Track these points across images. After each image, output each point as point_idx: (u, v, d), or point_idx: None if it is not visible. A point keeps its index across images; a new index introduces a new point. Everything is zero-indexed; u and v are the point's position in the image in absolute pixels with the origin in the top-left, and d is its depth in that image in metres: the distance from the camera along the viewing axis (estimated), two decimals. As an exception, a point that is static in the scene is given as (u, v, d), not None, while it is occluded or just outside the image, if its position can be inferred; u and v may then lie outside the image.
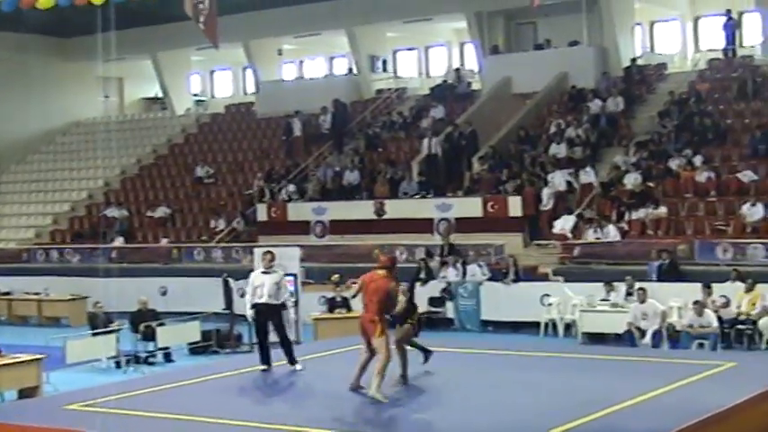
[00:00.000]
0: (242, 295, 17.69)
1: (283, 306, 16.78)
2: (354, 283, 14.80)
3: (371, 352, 14.25)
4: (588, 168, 29.40)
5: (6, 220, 40.60)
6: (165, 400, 14.38)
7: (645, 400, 13.05)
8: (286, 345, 16.55)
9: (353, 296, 15.07)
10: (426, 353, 15.93)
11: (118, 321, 23.19)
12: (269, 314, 16.31)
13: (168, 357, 22.65)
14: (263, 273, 16.50)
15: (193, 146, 41.39)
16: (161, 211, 36.73)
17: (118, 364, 21.72)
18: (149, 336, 22.57)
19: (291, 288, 17.38)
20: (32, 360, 18.39)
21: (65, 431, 12.61)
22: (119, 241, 35.21)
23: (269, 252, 16.93)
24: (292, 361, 16.37)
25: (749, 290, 22.09)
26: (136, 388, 15.45)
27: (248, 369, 16.59)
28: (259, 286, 16.31)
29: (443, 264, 27.19)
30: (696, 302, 21.45)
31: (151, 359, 22.48)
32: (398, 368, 14.92)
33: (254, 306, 16.27)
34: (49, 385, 18.64)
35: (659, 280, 24.02)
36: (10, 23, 31.10)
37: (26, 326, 29.70)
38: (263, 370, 16.25)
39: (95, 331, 22.59)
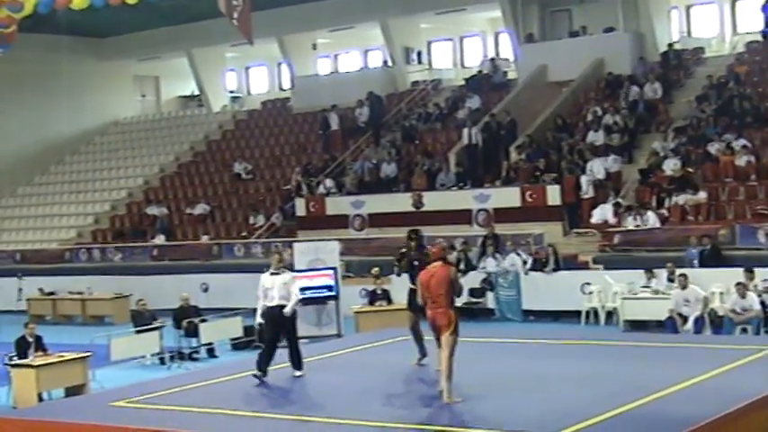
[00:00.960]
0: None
1: (293, 311, 15.76)
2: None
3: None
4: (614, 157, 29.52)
5: (48, 221, 40.91)
6: (210, 395, 14.52)
7: (688, 386, 13.07)
8: (297, 350, 15.78)
9: (423, 303, 14.16)
10: (422, 352, 15.85)
11: (161, 318, 23.40)
12: (281, 317, 15.55)
13: (211, 353, 22.84)
14: (273, 274, 15.81)
15: (230, 142, 41.58)
16: (200, 208, 36.94)
17: (162, 361, 21.95)
18: (192, 332, 22.76)
19: (299, 292, 16.25)
20: (78, 358, 18.63)
21: (112, 428, 12.75)
22: (160, 239, 35.49)
23: (278, 253, 16.73)
24: (300, 366, 15.65)
25: (793, 274, 22.00)
26: (181, 384, 15.64)
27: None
28: (270, 288, 15.66)
29: (483, 254, 27.22)
30: (739, 284, 21.39)
31: (195, 355, 22.67)
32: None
33: (268, 310, 15.61)
34: (95, 383, 18.85)
35: (701, 266, 23.95)
36: (45, 25, 31.27)
37: (71, 325, 29.99)
38: (259, 377, 15.21)
39: (139, 329, 22.79)
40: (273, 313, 15.53)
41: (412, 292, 15.22)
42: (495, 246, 27.10)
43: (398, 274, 16.73)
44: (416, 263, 15.43)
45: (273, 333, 15.64)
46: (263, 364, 15.29)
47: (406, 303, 15.96)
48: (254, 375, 15.17)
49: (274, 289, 15.61)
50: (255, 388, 14.69)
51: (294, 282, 16.10)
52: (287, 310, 15.49)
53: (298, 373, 15.51)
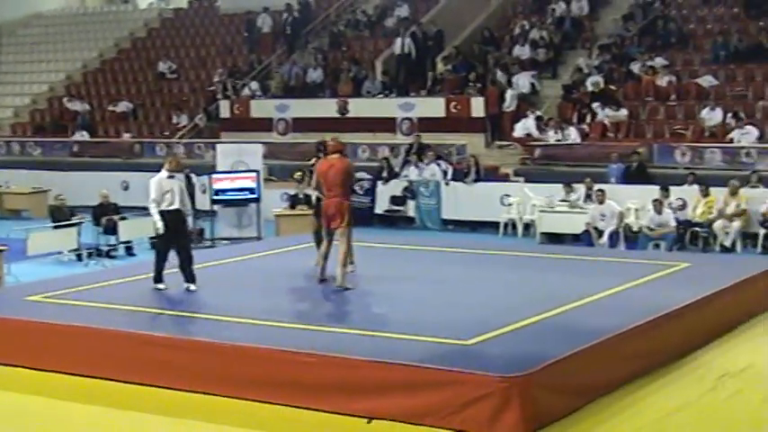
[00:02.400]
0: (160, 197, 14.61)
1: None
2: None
3: (330, 240, 14.32)
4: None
5: (-33, 113, 40.08)
6: (125, 292, 14.32)
7: (601, 298, 13.17)
8: (189, 260, 14.56)
9: (315, 188, 14.93)
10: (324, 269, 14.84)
11: (80, 215, 23.13)
12: (179, 223, 14.55)
13: (130, 251, 22.61)
14: (170, 177, 14.55)
15: (156, 41, 40.78)
16: (123, 106, 36.32)
17: (79, 257, 21.69)
18: (111, 229, 22.49)
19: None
20: (-7, 251, 18.33)
21: (26, 321, 12.58)
22: (81, 135, 34.94)
23: (174, 155, 15.74)
24: (192, 279, 14.44)
25: (705, 194, 22.22)
26: (97, 280, 15.42)
27: (210, 263, 16.55)
28: (168, 192, 14.41)
29: (406, 162, 27.18)
30: (656, 200, 21.66)
31: (113, 252, 22.44)
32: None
33: (167, 214, 14.36)
34: (10, 276, 18.58)
35: (626, 181, 24.12)
36: None
37: (-13, 218, 29.55)
38: (162, 289, 14.37)
39: (57, 224, 22.53)
40: (172, 218, 14.40)
41: (319, 201, 15.00)
42: (419, 155, 27.04)
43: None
44: None
45: (171, 239, 14.46)
46: (161, 273, 14.48)
47: (313, 211, 15.83)
48: (158, 289, 14.37)
49: (174, 193, 14.47)
50: (171, 286, 14.46)
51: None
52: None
53: (192, 287, 14.35)
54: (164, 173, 14.61)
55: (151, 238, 21.70)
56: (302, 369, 10.52)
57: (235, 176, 23.75)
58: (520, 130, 27.77)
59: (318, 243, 15.27)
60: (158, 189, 14.42)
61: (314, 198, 15.49)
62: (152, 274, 14.53)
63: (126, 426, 10.42)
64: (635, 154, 24.62)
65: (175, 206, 14.41)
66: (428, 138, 28.12)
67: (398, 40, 31.99)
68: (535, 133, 27.46)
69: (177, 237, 14.49)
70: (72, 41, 42.35)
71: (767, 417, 10.11)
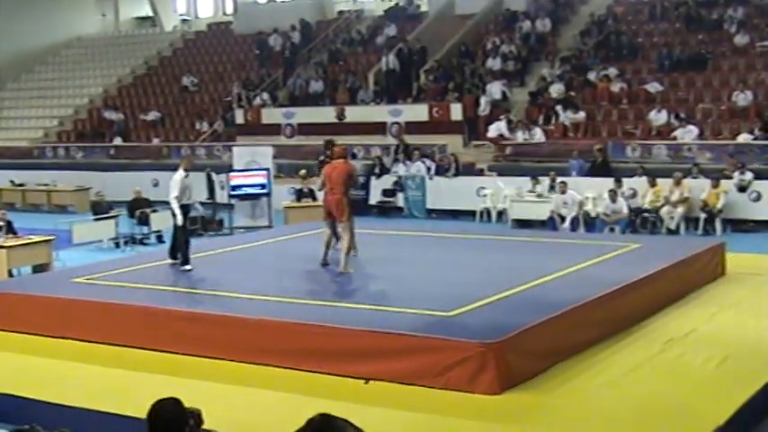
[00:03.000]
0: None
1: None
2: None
3: (334, 232, 14.29)
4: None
5: (19, 122, 39.87)
6: (157, 274, 14.30)
7: (565, 274, 13.14)
8: (186, 245, 14.57)
9: (320, 189, 14.98)
10: (326, 254, 14.53)
11: (117, 208, 23.16)
12: (189, 214, 14.92)
13: (160, 239, 22.52)
14: (186, 176, 14.60)
15: (180, 59, 40.69)
16: (152, 115, 36.27)
17: (117, 245, 21.72)
18: (144, 220, 22.49)
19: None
20: (44, 240, 18.21)
21: (73, 300, 12.55)
22: (117, 140, 34.93)
23: (189, 155, 15.56)
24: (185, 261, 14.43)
25: (653, 184, 22.23)
26: (132, 264, 15.40)
27: (229, 249, 16.57)
28: (188, 187, 14.58)
29: (396, 160, 27.16)
30: (611, 191, 21.67)
31: (145, 240, 22.41)
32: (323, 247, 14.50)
33: (186, 207, 14.54)
34: (58, 262, 18.53)
35: (592, 174, 24.05)
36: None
37: (38, 212, 29.37)
38: (189, 269, 14.31)
39: (98, 217, 22.54)
40: (188, 210, 14.68)
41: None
42: (406, 153, 27.03)
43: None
44: None
45: (188, 227, 14.75)
46: (188, 257, 14.43)
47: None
48: (186, 270, 14.30)
49: (190, 189, 14.73)
50: (196, 269, 14.44)
51: None
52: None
53: (187, 267, 14.29)
54: (182, 172, 14.56)
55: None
56: (310, 338, 10.50)
57: (249, 174, 23.69)
58: (493, 131, 27.70)
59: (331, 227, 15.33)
60: (180, 187, 14.36)
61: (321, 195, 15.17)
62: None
63: (156, 383, 10.38)
64: (599, 151, 24.56)
65: (191, 200, 14.65)
66: (414, 139, 28.12)
67: (384, 59, 31.96)
68: (506, 134, 27.41)
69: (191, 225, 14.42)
70: (108, 60, 42.23)
71: (708, 374, 10.11)
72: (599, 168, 24.21)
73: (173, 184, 14.42)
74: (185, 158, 16.43)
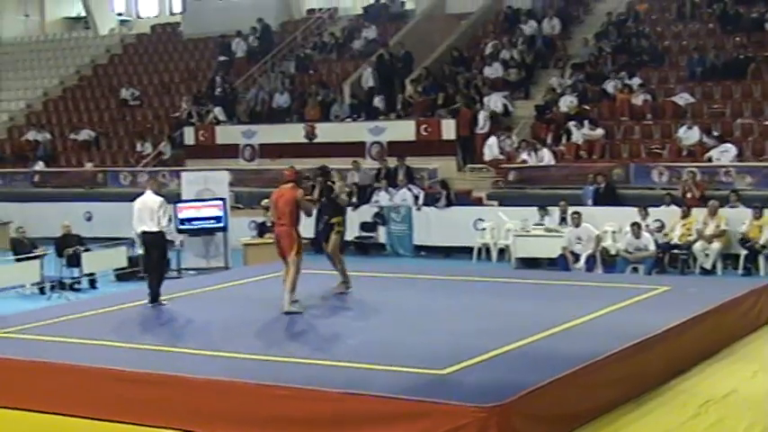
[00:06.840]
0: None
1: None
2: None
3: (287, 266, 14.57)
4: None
5: (-77, 144, 39.79)
6: (89, 326, 14.16)
7: (579, 323, 13.14)
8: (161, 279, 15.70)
9: (269, 216, 15.43)
10: (345, 281, 16.11)
11: (42, 247, 23.02)
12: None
13: (93, 284, 22.44)
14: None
15: (118, 67, 40.77)
16: (85, 134, 36.27)
17: (42, 291, 21.54)
18: (74, 262, 22.34)
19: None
20: (-47, 286, 18.17)
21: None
22: (40, 165, 34.81)
23: (154, 176, 16.47)
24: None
25: (685, 215, 22.28)
26: (59, 314, 15.27)
27: (176, 294, 16.47)
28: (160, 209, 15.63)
29: (375, 188, 27.13)
30: (634, 224, 21.67)
31: (76, 285, 22.27)
32: (339, 276, 15.82)
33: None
34: (-31, 312, 18.40)
35: (595, 204, 24.17)
36: None
37: (-55, 252, 29.29)
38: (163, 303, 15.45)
39: (18, 257, 22.39)
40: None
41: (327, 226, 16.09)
42: (389, 179, 27.00)
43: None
44: (324, 199, 16.18)
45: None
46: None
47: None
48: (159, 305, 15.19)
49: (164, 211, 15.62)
50: (136, 320, 14.36)
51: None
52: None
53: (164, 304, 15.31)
54: (156, 196, 15.57)
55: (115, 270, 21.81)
56: (278, 403, 10.43)
57: (201, 205, 23.67)
58: (487, 153, 27.75)
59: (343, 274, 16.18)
60: (167, 209, 15.64)
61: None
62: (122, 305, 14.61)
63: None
64: (600, 176, 24.64)
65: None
66: (398, 162, 28.10)
67: (362, 67, 32.09)
68: (497, 154, 27.42)
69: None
70: (32, 69, 42.28)
71: (752, 443, 10.12)
72: (603, 196, 24.29)
73: (160, 213, 15.40)
74: (152, 179, 16.87)
